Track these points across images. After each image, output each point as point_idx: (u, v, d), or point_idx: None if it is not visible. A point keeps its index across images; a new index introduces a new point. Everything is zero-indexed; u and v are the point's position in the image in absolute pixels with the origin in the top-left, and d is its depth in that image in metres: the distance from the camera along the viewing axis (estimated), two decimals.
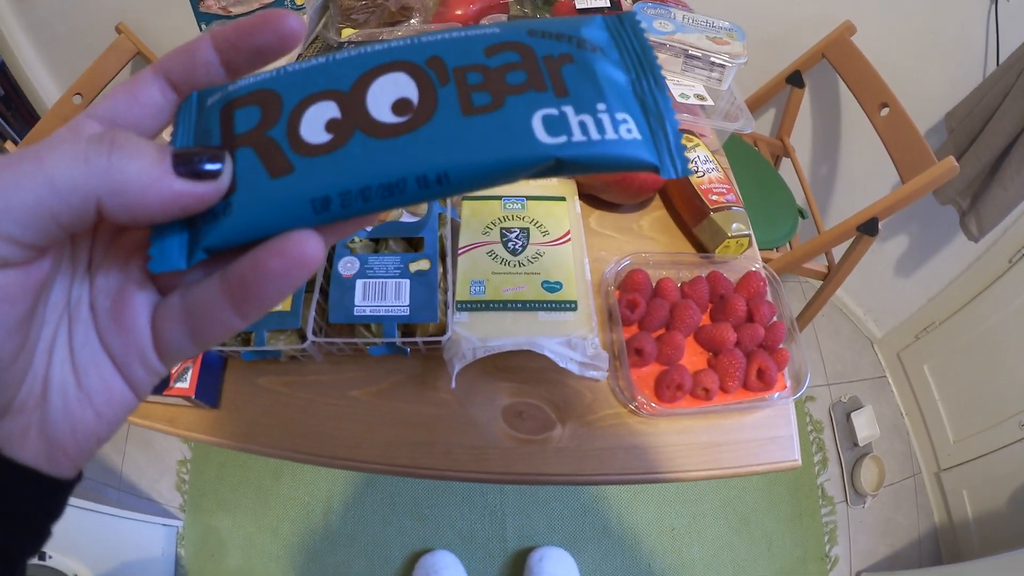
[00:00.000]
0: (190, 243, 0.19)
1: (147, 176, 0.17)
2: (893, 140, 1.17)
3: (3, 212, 0.15)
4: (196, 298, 0.19)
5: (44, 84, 1.52)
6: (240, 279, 0.18)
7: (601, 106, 0.19)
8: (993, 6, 1.16)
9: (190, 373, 0.56)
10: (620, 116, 0.19)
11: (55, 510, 0.20)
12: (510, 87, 0.19)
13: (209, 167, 0.18)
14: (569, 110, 0.19)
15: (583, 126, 0.19)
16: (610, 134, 0.19)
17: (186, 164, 0.17)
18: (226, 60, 0.20)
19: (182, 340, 0.19)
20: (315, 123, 0.19)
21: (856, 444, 1.57)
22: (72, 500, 0.20)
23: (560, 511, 1.40)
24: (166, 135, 0.21)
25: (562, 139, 0.19)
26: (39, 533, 0.19)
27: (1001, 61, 1.18)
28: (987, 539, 1.34)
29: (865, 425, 1.58)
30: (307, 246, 0.18)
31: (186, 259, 0.19)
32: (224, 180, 0.18)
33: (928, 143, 1.12)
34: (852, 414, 1.60)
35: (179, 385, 0.55)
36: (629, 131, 0.19)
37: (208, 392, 0.58)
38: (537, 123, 0.19)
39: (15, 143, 1.19)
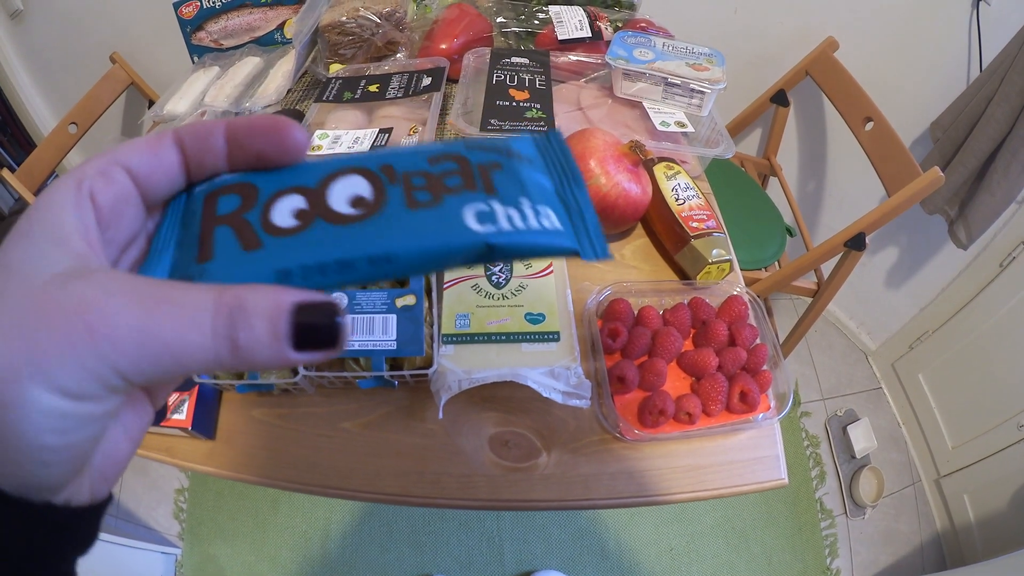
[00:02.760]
0: None
1: (271, 360, 0.18)
2: (878, 153, 1.18)
3: (132, 368, 0.17)
4: None
5: (39, 111, 1.54)
6: None
7: (525, 201, 0.22)
8: (974, 10, 1.16)
9: (186, 405, 0.57)
10: (542, 209, 0.22)
11: (81, 541, 0.20)
12: (448, 188, 0.22)
13: (330, 337, 0.18)
14: (497, 204, 0.22)
15: (509, 217, 0.22)
16: (532, 222, 0.22)
17: (307, 342, 0.18)
18: (231, 153, 0.22)
19: None
20: (284, 211, 0.21)
21: (854, 456, 1.57)
22: None
23: (557, 535, 1.40)
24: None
25: (491, 228, 0.21)
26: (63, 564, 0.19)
27: (984, 66, 1.18)
28: (990, 541, 1.34)
29: (862, 437, 1.58)
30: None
31: None
32: (343, 340, 0.19)
33: (915, 154, 1.12)
34: (848, 427, 1.60)
35: (176, 417, 0.57)
36: (550, 221, 0.22)
37: (204, 424, 0.59)
38: (469, 215, 0.21)
39: (12, 170, 1.20)
